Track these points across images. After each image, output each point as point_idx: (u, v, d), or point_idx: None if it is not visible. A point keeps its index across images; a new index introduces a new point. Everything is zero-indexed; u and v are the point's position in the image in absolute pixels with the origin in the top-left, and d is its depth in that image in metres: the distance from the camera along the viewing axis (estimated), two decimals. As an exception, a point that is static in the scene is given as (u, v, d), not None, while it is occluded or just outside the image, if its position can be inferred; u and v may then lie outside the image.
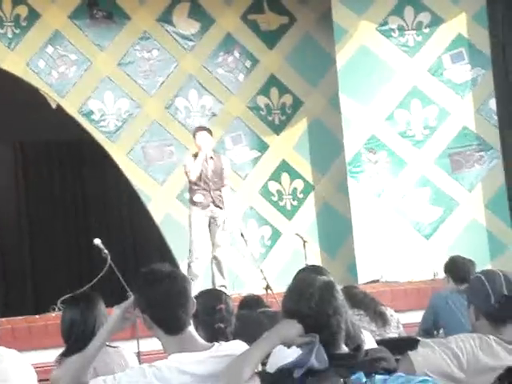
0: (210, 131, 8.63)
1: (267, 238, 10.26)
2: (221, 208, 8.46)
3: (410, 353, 2.94)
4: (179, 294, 2.88)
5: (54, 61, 9.60)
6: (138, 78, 9.91)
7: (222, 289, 7.95)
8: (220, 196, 8.48)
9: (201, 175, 8.41)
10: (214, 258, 8.48)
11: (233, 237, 9.72)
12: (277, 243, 10.24)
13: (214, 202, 8.44)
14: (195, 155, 8.50)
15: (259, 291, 7.40)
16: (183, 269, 8.30)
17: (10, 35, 9.47)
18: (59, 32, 9.63)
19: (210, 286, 7.87)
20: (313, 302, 2.75)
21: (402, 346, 4.13)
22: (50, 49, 9.59)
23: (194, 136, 8.63)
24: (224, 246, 8.55)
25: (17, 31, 9.50)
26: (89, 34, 9.77)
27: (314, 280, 2.84)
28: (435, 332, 6.01)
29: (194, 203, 8.46)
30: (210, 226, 8.47)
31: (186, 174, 8.50)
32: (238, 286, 8.89)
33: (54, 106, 9.65)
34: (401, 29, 10.11)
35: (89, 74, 9.71)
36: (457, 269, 6.05)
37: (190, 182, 8.50)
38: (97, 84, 9.75)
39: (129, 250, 12.19)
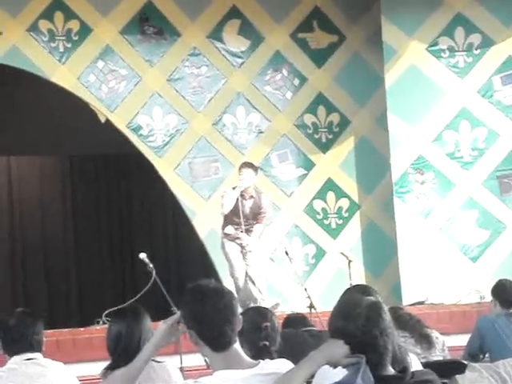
0: (255, 168, 8.66)
1: (311, 257, 10.22)
2: (249, 237, 8.56)
3: (457, 376, 2.90)
4: (226, 310, 2.85)
5: (105, 75, 9.69)
6: (187, 94, 9.97)
7: (261, 303, 8.02)
8: (251, 231, 8.57)
9: (237, 211, 8.45)
10: (248, 277, 8.57)
11: (277, 254, 9.74)
12: (321, 262, 10.20)
13: (243, 232, 8.51)
14: (235, 188, 8.52)
15: (303, 310, 7.36)
16: (228, 285, 8.30)
17: (61, 49, 9.58)
18: (110, 47, 9.73)
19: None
20: (360, 323, 2.72)
21: (450, 369, 4.09)
22: (100, 63, 9.69)
23: (239, 170, 8.64)
24: (253, 264, 8.60)
25: (68, 45, 9.62)
26: (139, 49, 9.85)
27: (362, 300, 2.81)
28: (481, 356, 5.94)
29: (225, 234, 8.60)
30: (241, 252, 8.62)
31: (221, 205, 8.57)
32: (281, 304, 8.87)
33: (103, 120, 9.74)
34: (451, 50, 10.05)
35: (138, 90, 9.79)
36: (504, 292, 5.99)
37: (223, 213, 8.56)
38: (146, 99, 9.82)
39: (173, 265, 12.23)
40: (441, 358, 5.10)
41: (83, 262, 12.38)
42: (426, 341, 5.17)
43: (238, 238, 8.55)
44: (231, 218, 8.52)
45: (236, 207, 8.46)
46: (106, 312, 7.29)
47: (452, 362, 4.91)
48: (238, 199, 8.44)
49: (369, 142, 10.43)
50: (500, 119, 10.01)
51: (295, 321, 5.30)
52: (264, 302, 8.29)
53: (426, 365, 4.16)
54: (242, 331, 2.94)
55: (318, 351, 2.77)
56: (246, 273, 8.56)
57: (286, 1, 10.22)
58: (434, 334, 5.30)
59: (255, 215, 8.58)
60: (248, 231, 8.54)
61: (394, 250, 9.85)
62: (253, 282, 8.54)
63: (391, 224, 9.95)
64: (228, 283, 8.42)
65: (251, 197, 8.57)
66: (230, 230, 8.56)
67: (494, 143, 9.99)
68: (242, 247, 8.58)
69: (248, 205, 8.53)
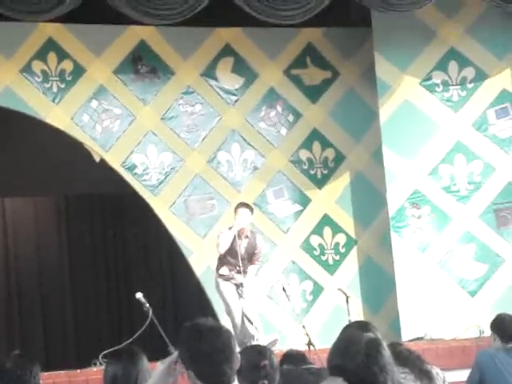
0: (251, 208, 8.68)
1: (309, 293, 10.20)
2: (244, 277, 8.54)
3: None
4: (224, 348, 2.84)
5: (99, 115, 9.72)
6: (181, 132, 9.99)
7: (259, 340, 7.97)
8: (245, 272, 8.56)
9: (233, 252, 8.45)
10: (244, 315, 8.53)
11: (274, 292, 9.70)
12: (319, 298, 10.18)
13: (239, 273, 8.48)
14: (231, 228, 8.51)
15: (301, 347, 7.30)
16: (225, 323, 8.25)
17: (55, 89, 9.62)
18: (104, 87, 9.76)
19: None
20: (359, 359, 2.71)
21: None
22: (94, 103, 9.72)
23: (234, 210, 8.62)
24: (248, 304, 8.55)
25: (62, 86, 9.65)
26: (133, 88, 9.89)
27: (361, 337, 2.81)
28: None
29: (219, 275, 8.57)
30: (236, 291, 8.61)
31: (216, 245, 8.55)
32: (279, 341, 8.81)
33: (97, 159, 9.74)
34: (445, 84, 10.10)
35: (132, 128, 9.82)
36: (504, 327, 5.96)
37: (218, 253, 8.54)
38: (140, 138, 9.84)
39: (169, 303, 12.20)
40: (441, 395, 5.06)
41: (79, 302, 12.34)
42: (426, 377, 5.12)
43: (232, 278, 8.53)
44: (226, 258, 8.52)
45: (232, 247, 8.46)
46: (103, 353, 7.24)
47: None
48: (234, 239, 8.43)
49: (364, 176, 10.44)
50: (495, 152, 10.04)
51: (294, 357, 5.25)
52: (261, 340, 8.24)
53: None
54: (240, 370, 2.92)
55: None
56: (243, 311, 8.51)
57: (280, 38, 10.28)
58: (435, 369, 5.25)
59: (250, 256, 8.57)
60: (243, 272, 8.51)
61: (392, 285, 9.83)
62: (249, 321, 8.49)
63: (389, 259, 9.93)
64: (225, 321, 8.38)
65: (246, 237, 8.56)
66: (224, 270, 8.55)
67: (490, 176, 10.01)
68: (237, 286, 8.55)
69: (243, 245, 8.52)
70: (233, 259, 8.48)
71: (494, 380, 5.76)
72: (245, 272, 8.54)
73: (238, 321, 8.48)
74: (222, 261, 8.56)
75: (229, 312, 8.58)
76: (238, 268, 8.48)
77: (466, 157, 10.04)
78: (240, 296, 8.55)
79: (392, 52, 10.05)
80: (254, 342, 7.94)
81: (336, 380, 2.72)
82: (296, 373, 4.64)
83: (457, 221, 9.95)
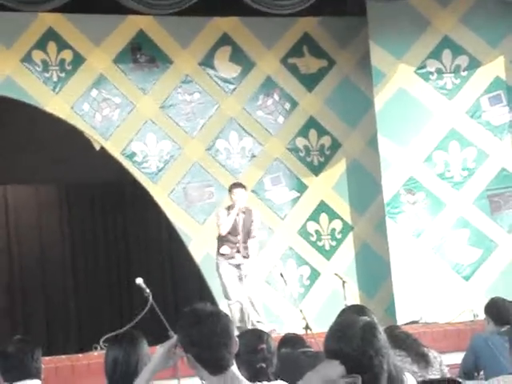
0: (245, 187, 8.82)
1: (306, 278, 10.29)
2: (246, 257, 8.60)
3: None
4: (223, 333, 2.88)
5: (98, 104, 9.77)
6: (180, 121, 10.06)
7: (259, 325, 8.05)
8: (246, 247, 8.62)
9: (234, 230, 8.58)
10: (248, 299, 8.60)
11: (272, 277, 9.81)
12: (316, 283, 10.26)
13: (239, 252, 8.57)
14: (228, 208, 8.63)
15: (299, 331, 7.42)
16: (223, 309, 8.37)
17: (55, 79, 9.67)
18: (103, 76, 9.82)
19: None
20: (355, 343, 2.70)
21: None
22: (94, 92, 9.78)
23: (229, 191, 8.75)
24: (251, 289, 8.64)
25: (62, 75, 9.70)
26: (132, 77, 9.95)
27: (356, 320, 2.79)
28: (475, 374, 6.00)
29: (220, 254, 8.64)
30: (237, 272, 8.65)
31: (218, 226, 8.64)
32: (277, 326, 8.93)
33: (97, 148, 9.83)
34: (439, 72, 10.18)
35: (132, 117, 9.89)
36: (497, 310, 6.01)
37: (219, 234, 8.64)
38: (139, 126, 9.91)
39: (169, 289, 12.27)
40: (438, 377, 5.16)
41: (81, 288, 12.42)
42: (422, 360, 5.19)
43: (233, 257, 8.60)
44: (227, 237, 8.60)
45: (233, 226, 8.56)
46: (104, 338, 7.33)
47: (447, 380, 4.96)
48: (235, 219, 8.54)
49: (360, 164, 10.52)
50: (489, 139, 10.12)
51: (292, 341, 5.33)
52: (262, 324, 8.33)
53: (422, 383, 4.23)
54: (238, 353, 2.97)
55: (314, 372, 2.79)
56: (247, 295, 8.58)
57: (276, 27, 10.33)
58: (432, 352, 5.32)
59: (248, 231, 8.66)
60: (243, 249, 8.60)
61: (387, 270, 9.92)
62: (252, 304, 8.58)
63: (384, 244, 10.03)
64: (224, 306, 8.49)
65: (243, 213, 8.67)
66: (225, 249, 8.62)
67: (484, 163, 10.09)
68: (238, 268, 8.62)
69: (241, 221, 8.63)
70: (233, 237, 8.58)
71: (488, 363, 5.79)
72: (246, 248, 8.62)
73: (235, 305, 8.55)
74: (223, 240, 8.63)
75: (226, 294, 8.64)
76: (238, 246, 8.57)
77: (460, 144, 10.13)
78: (240, 279, 8.63)
79: (387, 41, 10.11)
80: (256, 326, 8.01)
81: (332, 363, 2.70)
82: (293, 356, 4.70)
83: (451, 207, 10.05)
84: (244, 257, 8.64)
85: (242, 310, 8.55)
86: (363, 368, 2.70)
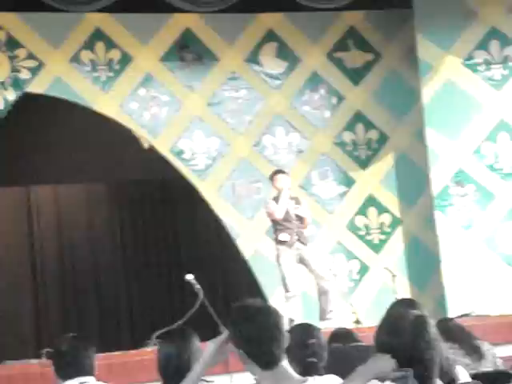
0: (285, 172, 8.80)
1: (355, 272, 10.27)
2: (305, 245, 8.55)
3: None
4: (273, 328, 2.90)
5: (146, 102, 9.85)
6: (227, 117, 10.10)
7: (327, 322, 7.99)
8: (302, 234, 8.57)
9: (287, 216, 8.50)
10: (320, 289, 8.49)
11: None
12: (365, 277, 10.24)
13: (299, 240, 8.53)
14: (275, 198, 8.61)
15: (348, 325, 7.43)
16: (272, 303, 8.38)
17: (103, 78, 9.76)
18: (150, 74, 9.89)
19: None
20: (405, 337, 2.75)
21: (497, 379, 4.14)
22: (142, 91, 9.85)
23: (271, 179, 8.73)
24: (326, 276, 8.54)
25: (110, 74, 9.79)
26: (179, 75, 10.00)
27: (407, 314, 2.84)
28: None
29: (280, 242, 8.54)
30: (301, 262, 8.53)
31: (271, 214, 8.60)
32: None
33: (146, 146, 9.92)
34: (487, 63, 10.09)
35: (179, 115, 9.94)
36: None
37: (274, 222, 8.61)
38: (187, 124, 9.96)
39: (218, 285, 12.30)
40: (491, 369, 5.13)
41: (132, 285, 12.52)
42: (475, 352, 5.17)
43: (293, 244, 8.48)
44: (282, 224, 8.50)
45: (286, 212, 8.51)
46: (157, 334, 7.39)
47: (500, 372, 4.93)
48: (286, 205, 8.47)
49: (408, 157, 10.47)
50: (539, 130, 10.03)
51: (342, 336, 5.34)
52: (330, 321, 8.17)
53: (474, 376, 4.21)
54: (289, 348, 2.98)
55: (366, 366, 2.80)
56: (321, 287, 8.43)
57: (321, 22, 10.31)
58: (485, 345, 5.30)
59: (301, 217, 8.57)
60: (301, 235, 8.52)
61: (437, 264, 9.87)
62: (325, 297, 8.39)
63: (433, 237, 9.98)
64: (274, 302, 8.51)
65: (292, 199, 8.63)
66: (285, 236, 8.50)
67: (534, 154, 10.00)
68: (301, 257, 8.49)
69: (292, 209, 8.55)
70: (288, 223, 8.51)
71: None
72: (301, 234, 8.52)
73: (293, 296, 8.41)
74: (279, 228, 8.54)
75: (285, 285, 8.47)
76: (296, 232, 8.49)
77: (510, 134, 10.03)
78: (308, 267, 8.43)
79: (433, 32, 10.04)
80: (326, 322, 7.93)
81: (383, 357, 2.77)
82: (344, 350, 4.71)
83: (501, 198, 9.96)
84: (303, 243, 8.53)
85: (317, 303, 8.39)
86: (414, 361, 2.73)
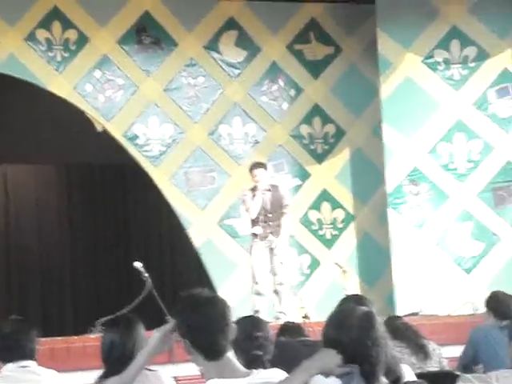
0: (265, 167, 8.72)
1: (306, 267, 10.25)
2: (277, 237, 8.49)
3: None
4: (219, 319, 2.87)
5: (102, 85, 9.73)
6: (183, 104, 10.01)
7: (281, 315, 7.95)
8: (279, 226, 8.50)
9: (261, 210, 8.44)
10: (275, 285, 8.48)
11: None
12: (316, 272, 10.24)
13: (272, 233, 8.47)
14: (252, 189, 8.52)
15: (297, 320, 7.38)
16: (221, 294, 8.30)
17: (58, 58, 9.62)
18: (107, 57, 9.78)
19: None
20: (352, 333, 2.74)
21: (442, 380, 4.11)
22: (97, 73, 9.73)
23: (250, 172, 8.62)
24: (280, 273, 8.50)
25: (66, 55, 9.66)
26: (136, 59, 9.89)
27: (354, 310, 2.83)
28: (474, 367, 5.96)
29: (254, 235, 8.51)
30: (270, 253, 8.49)
31: (246, 211, 8.55)
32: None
33: (99, 129, 9.78)
34: (446, 62, 10.12)
35: (135, 99, 9.83)
36: (498, 304, 6.01)
37: (250, 218, 8.54)
38: (142, 109, 9.87)
39: (167, 274, 12.25)
40: (436, 369, 5.13)
41: (78, 270, 12.43)
42: (421, 351, 5.19)
43: (266, 237, 8.45)
44: (258, 218, 8.45)
45: (261, 207, 8.43)
46: (101, 321, 7.29)
47: (445, 372, 4.94)
48: (262, 198, 8.42)
49: (364, 153, 10.48)
50: (495, 132, 10.06)
51: (291, 330, 5.32)
52: (283, 315, 8.18)
53: (419, 375, 4.19)
54: (235, 340, 2.95)
55: (311, 360, 2.79)
56: (275, 284, 8.43)
57: (283, 12, 10.27)
58: (431, 345, 5.32)
59: (279, 206, 8.51)
60: (277, 226, 8.46)
61: (388, 261, 9.89)
62: (276, 292, 8.44)
63: (386, 235, 9.99)
64: (222, 293, 8.45)
65: (268, 190, 8.55)
66: (258, 229, 8.47)
67: (489, 155, 10.03)
68: (271, 250, 8.44)
69: (269, 199, 8.48)
70: (264, 217, 8.44)
71: (487, 357, 5.79)
72: (279, 226, 8.47)
73: (263, 290, 8.37)
74: (254, 221, 8.49)
75: (253, 277, 8.45)
76: (269, 224, 8.43)
77: (466, 135, 10.07)
78: (272, 262, 8.41)
79: (394, 29, 10.05)
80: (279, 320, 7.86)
81: (330, 352, 2.75)
82: (291, 345, 4.70)
83: (454, 199, 10.00)
84: (276, 236, 8.47)
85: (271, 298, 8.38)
86: (360, 358, 2.73)
